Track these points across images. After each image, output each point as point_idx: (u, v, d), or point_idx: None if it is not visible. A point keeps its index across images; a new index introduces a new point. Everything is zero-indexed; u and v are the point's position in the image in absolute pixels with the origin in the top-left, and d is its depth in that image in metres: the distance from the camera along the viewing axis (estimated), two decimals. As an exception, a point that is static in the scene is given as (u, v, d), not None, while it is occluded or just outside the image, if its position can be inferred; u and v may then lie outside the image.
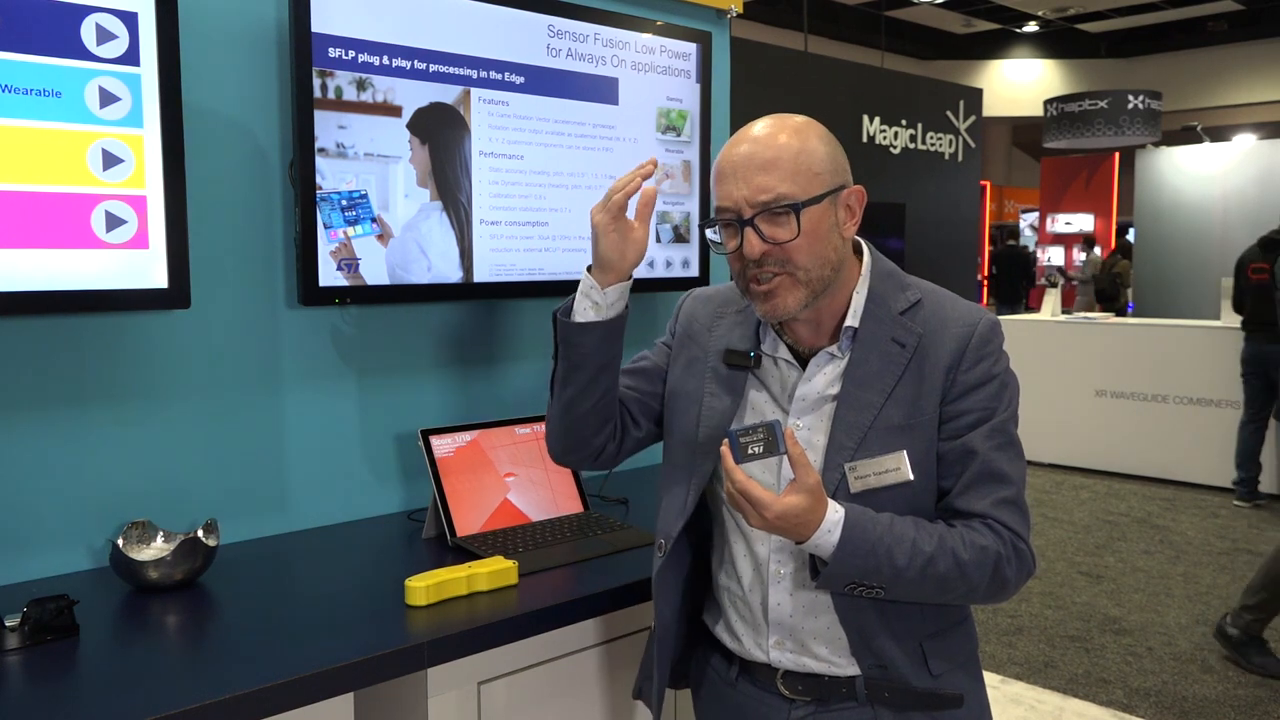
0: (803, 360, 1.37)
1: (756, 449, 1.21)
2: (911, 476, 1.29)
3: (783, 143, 1.28)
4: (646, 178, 1.37)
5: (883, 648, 1.31)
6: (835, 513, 1.23)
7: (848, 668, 1.33)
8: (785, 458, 1.23)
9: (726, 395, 1.39)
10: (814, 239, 1.29)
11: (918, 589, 1.26)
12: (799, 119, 1.33)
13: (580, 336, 1.40)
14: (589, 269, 1.41)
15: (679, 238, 2.46)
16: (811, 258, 1.29)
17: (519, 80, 2.13)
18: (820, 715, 1.34)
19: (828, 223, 1.30)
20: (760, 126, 1.32)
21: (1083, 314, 7.95)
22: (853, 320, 1.34)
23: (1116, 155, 13.43)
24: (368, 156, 1.93)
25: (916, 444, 1.30)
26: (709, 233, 1.35)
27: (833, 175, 1.31)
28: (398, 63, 1.95)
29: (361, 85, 1.91)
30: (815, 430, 1.33)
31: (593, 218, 1.38)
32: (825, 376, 1.35)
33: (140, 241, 1.64)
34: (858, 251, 1.39)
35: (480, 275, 2.11)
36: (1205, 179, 10.06)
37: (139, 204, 1.64)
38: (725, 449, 1.22)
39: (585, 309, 1.41)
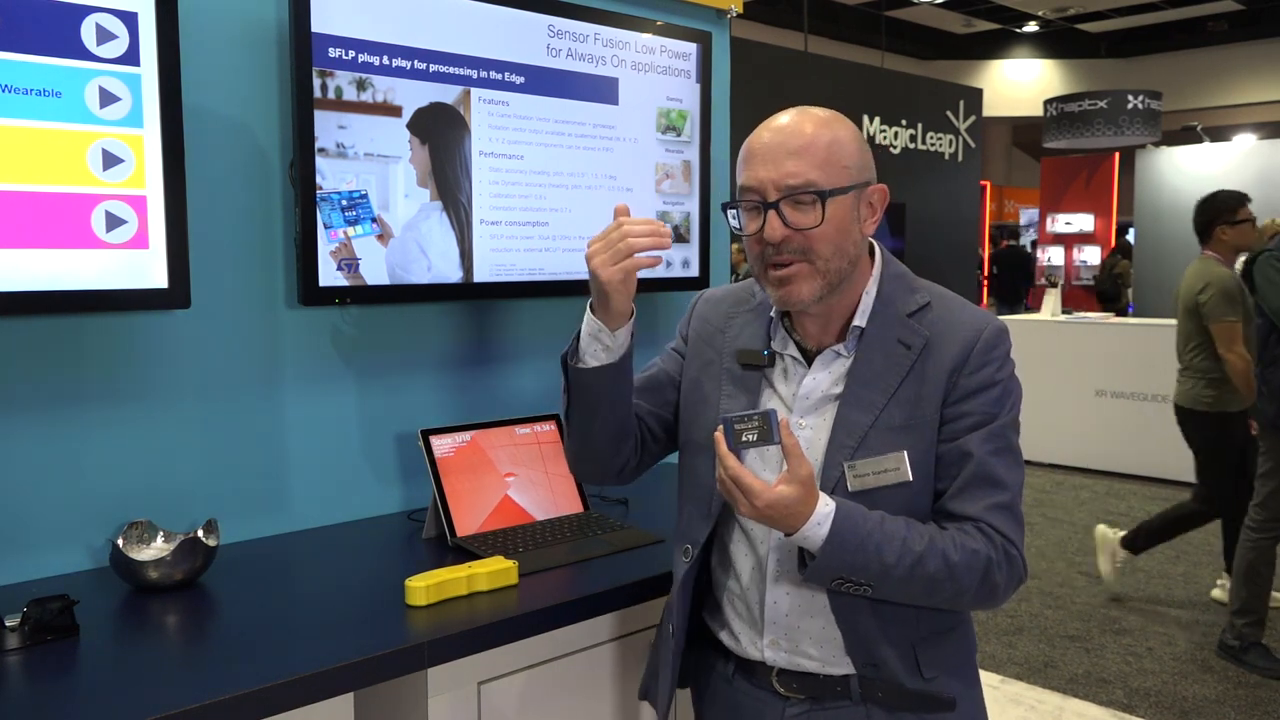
0: (809, 358, 1.37)
1: (750, 436, 1.21)
2: (911, 477, 1.29)
3: (814, 132, 1.30)
4: (664, 249, 1.34)
5: (876, 649, 1.32)
6: (826, 506, 1.23)
7: (841, 667, 1.33)
8: (779, 448, 1.23)
9: (742, 396, 1.39)
10: (836, 229, 1.29)
11: (906, 588, 1.26)
12: (827, 112, 1.34)
13: (594, 379, 1.39)
14: (591, 308, 1.39)
15: (679, 238, 2.46)
16: (832, 248, 1.29)
17: (519, 80, 2.13)
18: (815, 713, 1.35)
19: (850, 216, 1.31)
20: (791, 115, 1.33)
21: (1082, 314, 7.95)
22: (860, 320, 1.35)
23: (1116, 155, 13.42)
24: (368, 156, 1.93)
25: (916, 445, 1.30)
26: (730, 215, 1.35)
27: (859, 171, 1.32)
28: (398, 63, 1.95)
29: (361, 85, 1.91)
30: (817, 428, 1.33)
31: (600, 272, 1.32)
32: (830, 375, 1.35)
33: (140, 241, 1.64)
34: (870, 252, 1.40)
35: (480, 275, 2.11)
36: (1205, 179, 10.01)
37: (139, 204, 1.64)
38: (719, 434, 1.22)
39: (596, 352, 1.39)
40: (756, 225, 1.30)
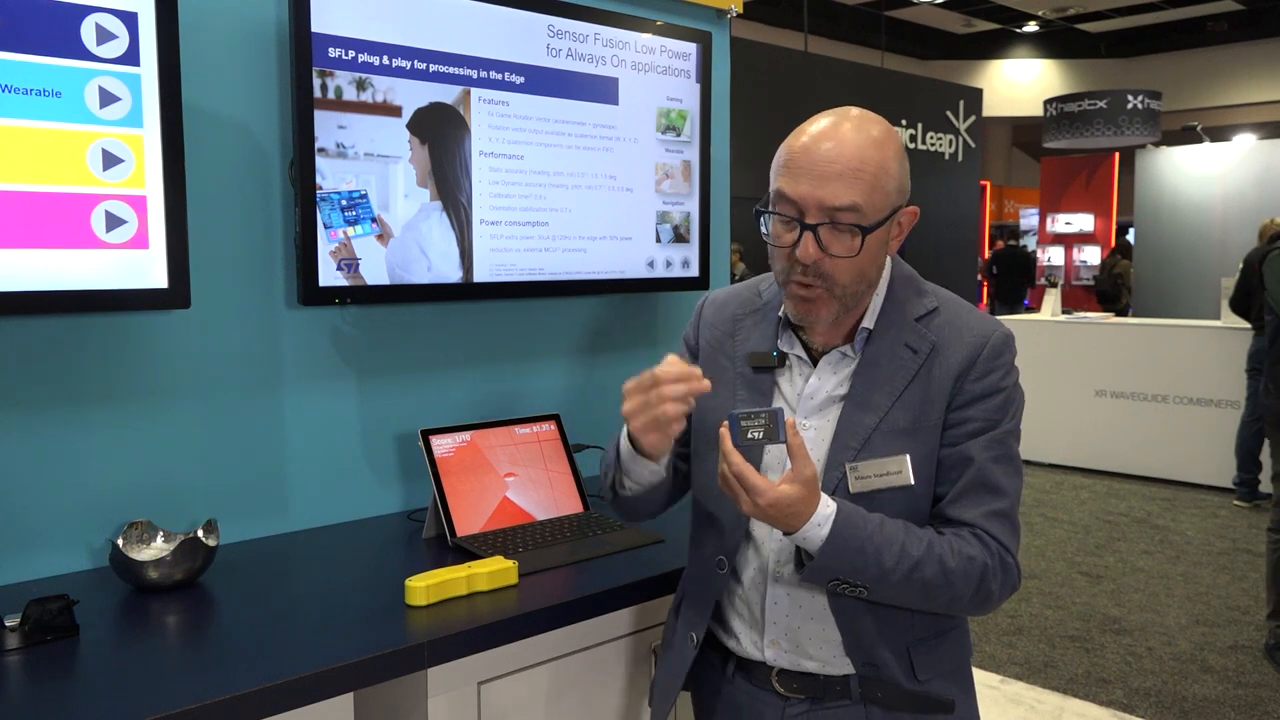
0: (814, 359, 1.37)
1: (756, 434, 1.21)
2: (912, 480, 1.29)
3: (867, 155, 1.24)
4: (700, 392, 1.30)
5: (874, 650, 1.32)
6: (827, 507, 1.23)
7: (841, 667, 1.34)
8: (784, 447, 1.22)
9: (755, 398, 1.38)
10: (867, 260, 1.28)
11: (902, 592, 1.26)
12: (881, 127, 1.29)
13: (642, 492, 1.44)
14: (630, 439, 1.38)
15: (679, 238, 2.46)
16: (857, 275, 1.28)
17: (519, 80, 2.13)
18: (815, 713, 1.35)
19: (882, 243, 1.30)
20: (838, 123, 1.27)
21: (1082, 314, 7.95)
22: (869, 321, 1.35)
23: (1116, 155, 13.43)
24: (368, 156, 1.93)
25: (919, 449, 1.30)
26: (761, 219, 1.32)
27: (899, 194, 1.30)
28: (398, 63, 1.95)
29: (361, 85, 1.91)
30: (821, 429, 1.33)
31: (642, 438, 1.33)
32: (836, 376, 1.35)
33: (140, 241, 1.64)
34: None
35: (480, 275, 2.11)
36: (1205, 179, 10.06)
37: (139, 204, 1.64)
38: (724, 430, 1.22)
39: (639, 473, 1.40)
40: (790, 239, 1.27)
